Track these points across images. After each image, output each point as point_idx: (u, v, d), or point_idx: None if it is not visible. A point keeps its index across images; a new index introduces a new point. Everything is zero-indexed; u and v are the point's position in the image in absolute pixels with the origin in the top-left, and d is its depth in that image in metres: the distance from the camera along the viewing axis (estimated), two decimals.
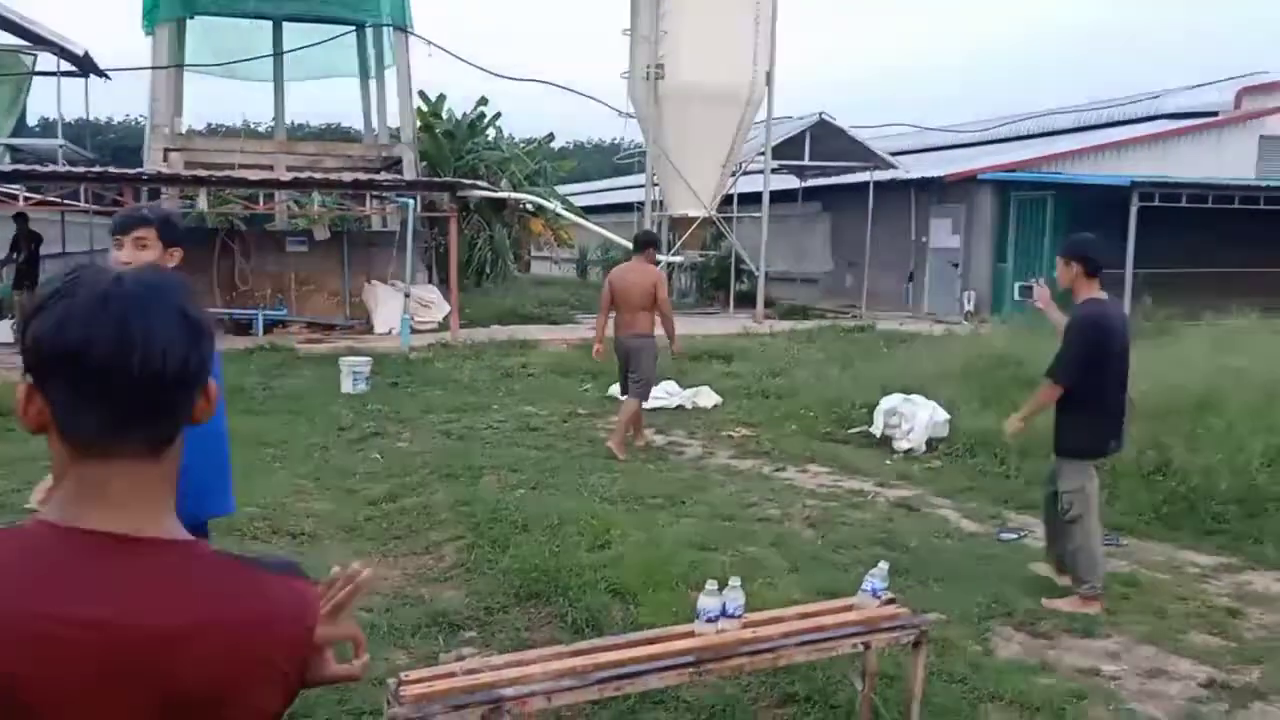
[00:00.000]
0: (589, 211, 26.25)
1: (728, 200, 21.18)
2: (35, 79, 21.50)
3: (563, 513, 6.20)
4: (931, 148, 27.24)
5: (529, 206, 22.49)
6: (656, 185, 20.59)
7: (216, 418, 3.25)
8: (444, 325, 16.53)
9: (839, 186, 23.36)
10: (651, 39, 19.16)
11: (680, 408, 10.50)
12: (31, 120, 23.15)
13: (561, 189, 27.38)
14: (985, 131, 26.94)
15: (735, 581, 3.54)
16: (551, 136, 27.72)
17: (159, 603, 1.11)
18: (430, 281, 18.86)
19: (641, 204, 21.78)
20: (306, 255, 17.74)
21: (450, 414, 9.90)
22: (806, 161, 21.46)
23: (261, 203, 17.44)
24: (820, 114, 21.02)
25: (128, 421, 1.10)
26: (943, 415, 8.67)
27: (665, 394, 10.51)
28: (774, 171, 21.28)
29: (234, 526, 6.04)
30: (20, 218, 15.59)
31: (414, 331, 15.02)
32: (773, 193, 20.46)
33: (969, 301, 20.11)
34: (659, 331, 8.47)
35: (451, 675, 3.07)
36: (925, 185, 21.48)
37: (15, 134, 20.04)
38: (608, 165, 44.21)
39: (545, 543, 5.65)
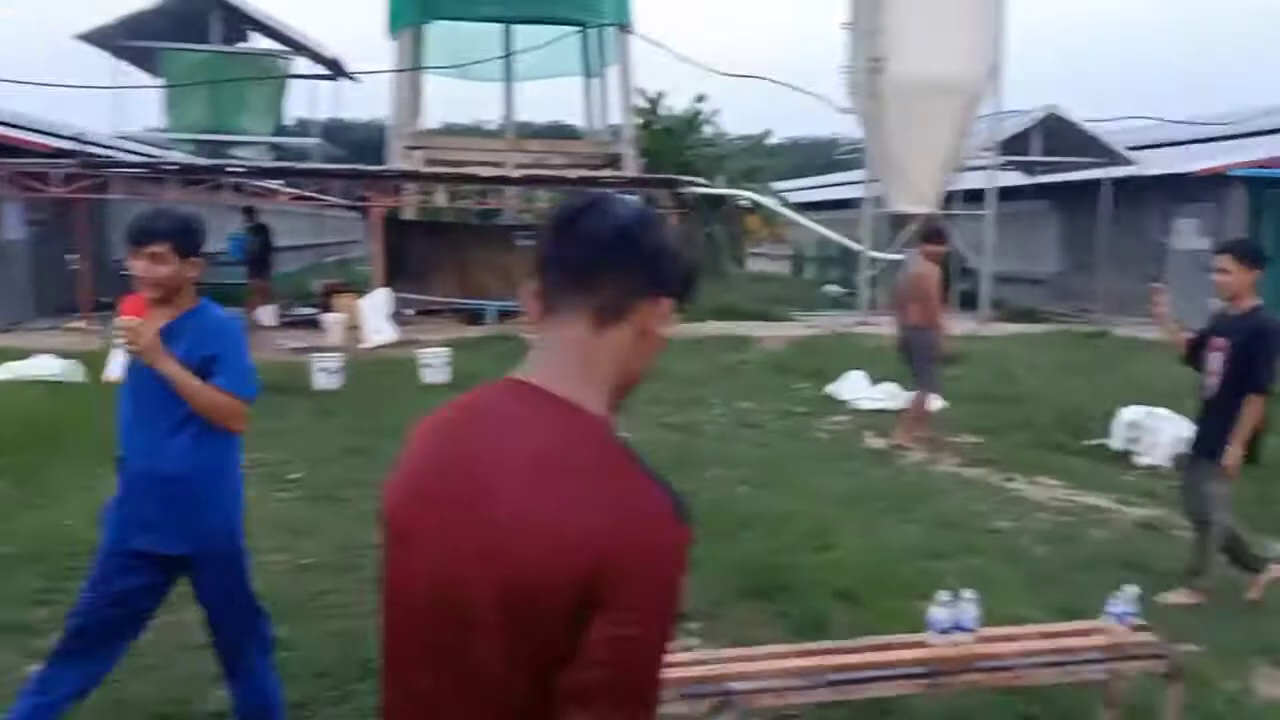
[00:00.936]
0: (805, 208, 25.99)
1: (950, 197, 20.47)
2: (293, 82, 23.35)
3: (784, 511, 6.21)
4: (1176, 141, 25.31)
5: (746, 203, 22.56)
6: (876, 181, 20.16)
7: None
8: None
9: (1071, 184, 22.11)
10: (871, 32, 18.75)
11: (901, 412, 10.25)
12: (289, 121, 25.16)
13: (778, 185, 27.29)
14: (1231, 125, 24.76)
15: (969, 594, 3.45)
16: (768, 133, 27.70)
17: (517, 448, 1.26)
18: None
19: (860, 200, 21.39)
20: (534, 249, 18.44)
21: (669, 407, 10.09)
22: (1036, 157, 20.43)
23: (492, 198, 18.29)
24: (1052, 107, 19.96)
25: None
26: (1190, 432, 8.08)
27: (886, 396, 10.31)
28: (1001, 168, 20.40)
29: None
30: (249, 211, 16.94)
31: None
32: (999, 189, 19.61)
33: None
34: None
35: (681, 665, 3.14)
36: (1167, 182, 19.99)
37: (276, 134, 21.85)
38: (825, 161, 43.60)
39: (768, 540, 5.69)
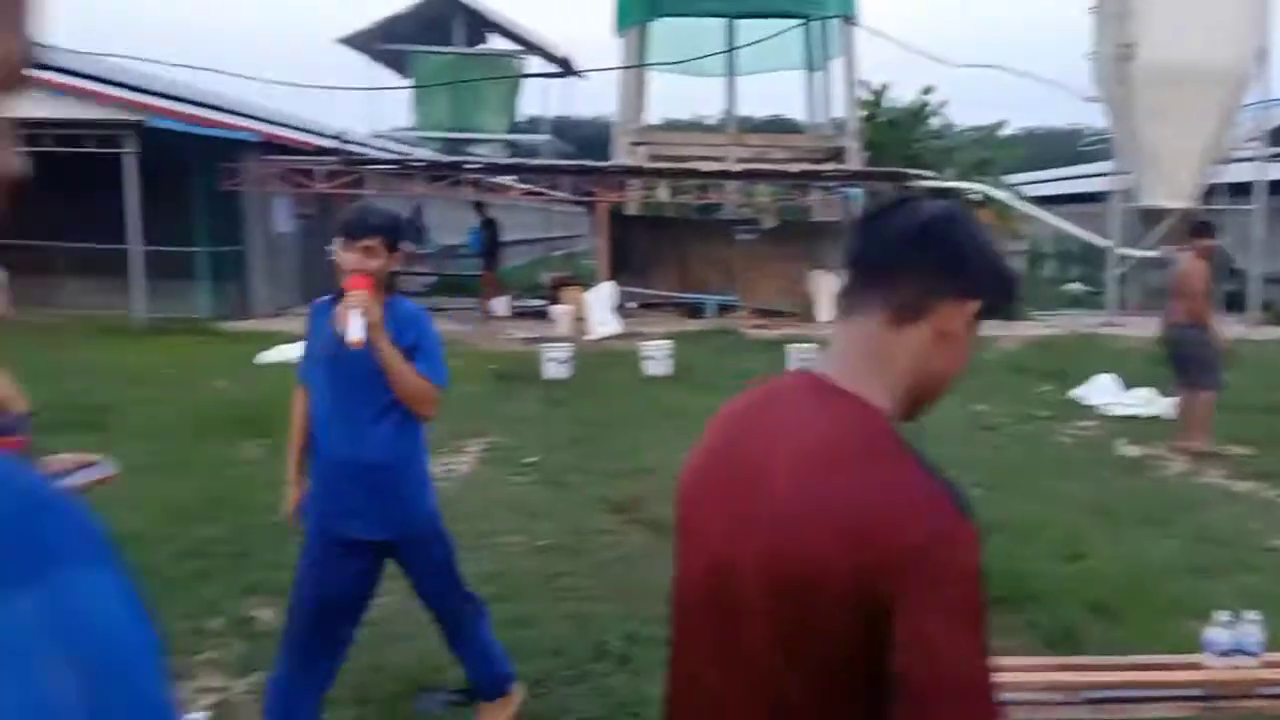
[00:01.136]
0: (1043, 202, 24.60)
1: (1212, 191, 18.81)
2: (526, 80, 24.27)
3: (1030, 518, 5.88)
4: None
5: (976, 197, 21.59)
6: (1125, 174, 18.81)
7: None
8: None
9: None
10: (1120, 15, 17.46)
11: (1158, 418, 9.48)
12: (521, 118, 26.24)
13: (1012, 178, 26.00)
14: None
15: (1254, 615, 3.14)
16: (1001, 123, 26.44)
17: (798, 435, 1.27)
18: None
19: (1107, 194, 20.03)
20: (753, 244, 18.42)
21: None
22: None
23: (714, 193, 18.37)
24: None
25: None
26: None
27: (1141, 402, 9.56)
28: (1270, 159, 18.58)
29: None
30: (480, 206, 17.67)
31: None
32: (1269, 183, 17.87)
33: None
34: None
35: None
36: None
37: (510, 131, 22.82)
38: (1067, 153, 41.16)
39: (1013, 547, 5.39)
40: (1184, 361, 7.90)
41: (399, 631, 4.37)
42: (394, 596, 4.74)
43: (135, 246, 14.33)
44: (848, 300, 1.36)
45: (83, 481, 2.37)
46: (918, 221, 1.32)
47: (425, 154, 21.03)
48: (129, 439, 7.38)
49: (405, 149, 22.26)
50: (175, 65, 29.73)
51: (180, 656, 4.13)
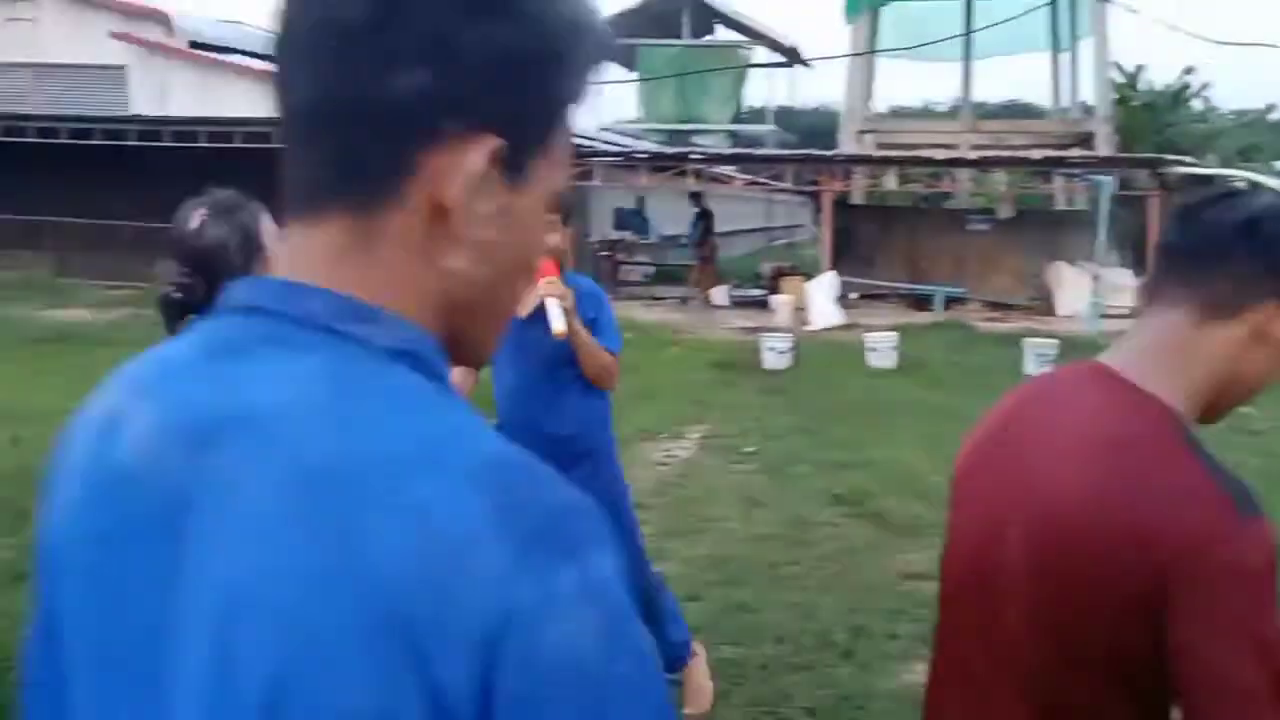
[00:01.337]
0: None
1: None
2: (750, 70, 24.19)
3: None
4: None
5: (1241, 184, 19.78)
6: None
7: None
8: (1135, 311, 15.29)
9: None
10: None
11: None
12: (745, 109, 26.22)
13: None
14: None
15: None
16: (1272, 107, 24.09)
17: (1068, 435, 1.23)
18: (1120, 265, 17.55)
19: None
20: (987, 234, 17.62)
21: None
22: None
23: (944, 181, 17.71)
24: None
25: None
26: None
27: None
28: None
29: (925, 493, 6.23)
30: (695, 196, 17.65)
31: (1103, 316, 14.02)
32: None
33: None
34: None
35: None
36: None
37: (734, 121, 22.86)
38: None
39: None
40: None
41: None
42: None
43: None
44: (1152, 291, 1.30)
45: None
46: (1246, 215, 1.25)
47: (649, 145, 21.40)
48: None
49: (630, 141, 22.74)
50: None
51: None
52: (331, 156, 0.63)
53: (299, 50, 0.63)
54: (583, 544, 0.59)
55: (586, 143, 18.41)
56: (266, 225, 2.32)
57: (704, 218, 17.78)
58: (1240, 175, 18.57)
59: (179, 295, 2.29)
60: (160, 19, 17.67)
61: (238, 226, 2.26)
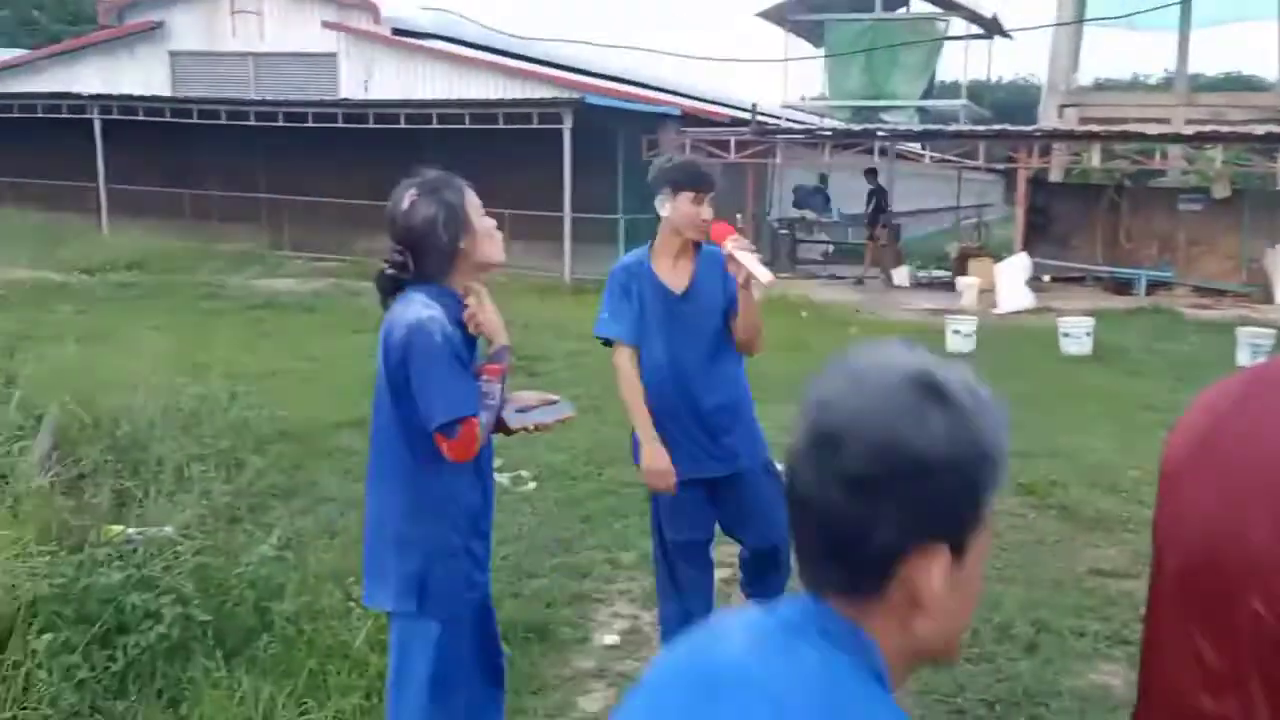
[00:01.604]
0: None
1: None
2: (945, 43, 23.29)
3: None
4: None
5: None
6: None
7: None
8: None
9: None
10: None
11: None
12: (938, 83, 25.31)
13: None
14: None
15: None
16: None
17: None
18: None
19: None
20: (1199, 214, 16.44)
21: None
22: None
23: (1155, 158, 16.59)
24: None
25: None
26: None
27: None
28: None
29: (1117, 487, 5.92)
30: (870, 173, 17.09)
31: None
32: None
33: None
34: None
35: None
36: None
37: (924, 96, 22.13)
38: None
39: None
40: None
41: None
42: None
43: (567, 213, 15.73)
44: None
45: (547, 420, 2.66)
46: None
47: (833, 123, 20.98)
48: (557, 385, 8.14)
49: (814, 119, 22.35)
50: (608, 46, 32.07)
51: (596, 584, 4.50)
52: (834, 569, 0.92)
53: (812, 480, 0.91)
54: None
55: (770, 120, 18.28)
56: (471, 200, 2.43)
57: (876, 195, 17.35)
58: None
59: (391, 271, 2.43)
60: (368, 8, 18.64)
61: (444, 204, 2.37)
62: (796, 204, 18.21)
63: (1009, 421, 0.93)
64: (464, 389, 2.35)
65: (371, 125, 16.78)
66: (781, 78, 25.40)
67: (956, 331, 10.69)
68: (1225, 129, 16.40)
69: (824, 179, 21.49)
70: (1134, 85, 34.75)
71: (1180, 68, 21.02)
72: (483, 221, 2.45)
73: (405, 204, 2.38)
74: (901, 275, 16.62)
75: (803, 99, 24.50)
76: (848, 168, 19.15)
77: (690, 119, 17.59)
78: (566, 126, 15.50)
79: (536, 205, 15.69)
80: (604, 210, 16.16)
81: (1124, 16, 19.38)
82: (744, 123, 17.24)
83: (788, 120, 20.42)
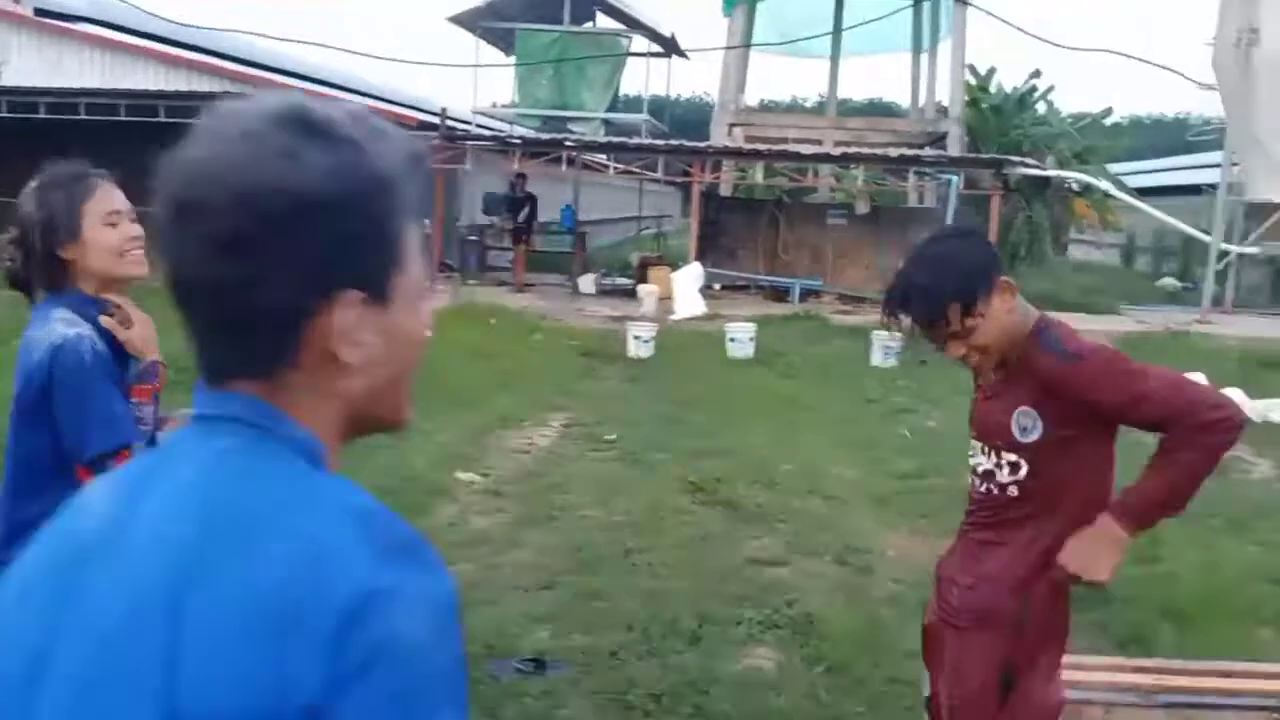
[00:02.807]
0: (1145, 193, 23.84)
1: None
2: (628, 60, 24.28)
3: None
4: None
5: (1074, 186, 21.02)
6: (1235, 165, 18.13)
7: None
8: None
9: None
10: (1246, 1, 16.77)
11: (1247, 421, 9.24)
12: (620, 98, 26.32)
13: (1116, 167, 25.19)
14: None
15: None
16: (1108, 111, 25.63)
17: None
18: None
19: (1212, 187, 19.33)
20: (844, 229, 18.27)
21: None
22: None
23: (808, 176, 18.24)
24: None
25: None
26: None
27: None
28: None
29: (774, 481, 6.54)
30: (520, 179, 17.34)
31: None
32: None
33: None
34: None
35: None
36: None
37: (610, 109, 22.98)
38: (1173, 142, 39.69)
39: None
40: None
41: (472, 599, 4.44)
42: (472, 565, 4.97)
43: None
44: None
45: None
46: None
47: (524, 131, 21.30)
48: None
49: (505, 126, 22.56)
50: (284, 40, 30.57)
51: None
52: (232, 349, 0.81)
53: (183, 258, 0.79)
54: (429, 564, 0.77)
55: (459, 125, 18.26)
56: (97, 204, 2.19)
57: (527, 202, 17.36)
58: (1073, 176, 19.78)
59: (10, 265, 2.22)
60: None
61: (45, 206, 2.15)
62: (486, 210, 18.32)
63: (421, 152, 0.86)
64: (120, 415, 2.15)
65: (4, 114, 15.04)
66: (472, 83, 25.37)
67: (637, 337, 11.26)
68: (866, 150, 18.34)
69: (513, 186, 21.72)
70: (793, 108, 37.93)
71: (831, 93, 23.23)
72: (103, 232, 2.18)
73: (22, 198, 2.17)
74: (587, 283, 17.18)
75: (495, 105, 24.62)
76: (539, 177, 19.50)
77: None
78: None
79: None
80: None
81: (786, 43, 21.20)
82: (433, 127, 17.12)
83: (478, 126, 20.48)
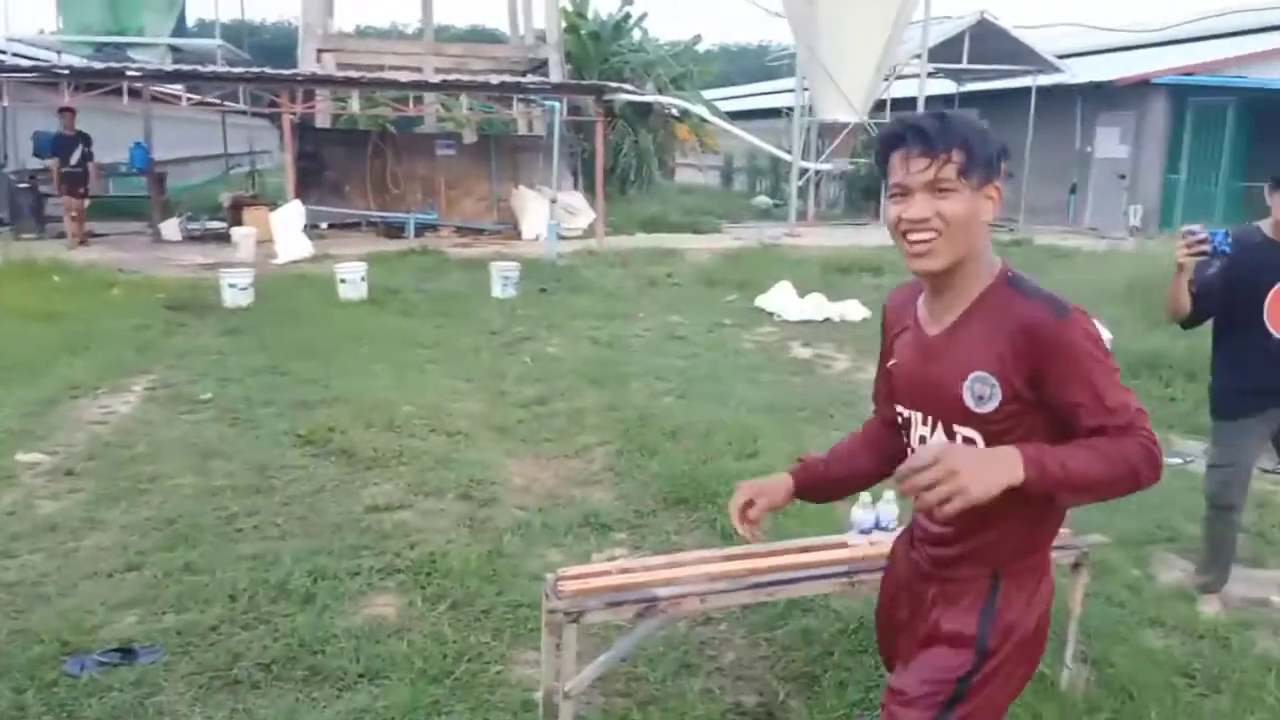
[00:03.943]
0: (736, 117, 25.72)
1: (880, 106, 20.39)
2: None
3: (710, 421, 6.17)
4: (1103, 49, 25.46)
5: (674, 111, 22.17)
6: (806, 90, 19.97)
7: None
8: (589, 232, 16.60)
9: (998, 92, 22.16)
10: None
11: (828, 320, 10.29)
12: (189, 22, 23.90)
13: (708, 93, 26.86)
14: (1162, 31, 24.98)
15: (889, 495, 3.46)
16: (698, 38, 27.17)
17: None
18: (576, 188, 18.89)
19: (790, 109, 21.20)
20: (455, 159, 17.97)
21: (597, 321, 9.97)
22: (965, 65, 20.40)
23: (411, 105, 17.65)
24: (981, 13, 19.87)
25: None
26: (1104, 335, 8.22)
27: (813, 307, 10.33)
28: (930, 76, 20.34)
29: (393, 424, 6.26)
30: (66, 112, 14.57)
31: (561, 238, 15.01)
32: (928, 98, 19.59)
33: (1135, 216, 18.97)
34: None
35: (606, 574, 3.11)
36: (1093, 90, 20.14)
37: (174, 34, 20.78)
38: (756, 69, 43.14)
39: (693, 450, 5.65)
40: None
41: (42, 593, 3.99)
42: (40, 555, 4.31)
43: None
44: None
45: None
46: None
47: (73, 60, 18.69)
48: None
49: (50, 55, 19.66)
50: None
51: None
52: None
53: None
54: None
55: None
56: None
57: (81, 142, 14.54)
58: (672, 102, 20.84)
59: None
60: None
61: None
62: (36, 153, 15.82)
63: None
64: None
65: None
66: (1, 7, 21.83)
67: (233, 285, 10.34)
68: (467, 78, 18.05)
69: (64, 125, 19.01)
70: (391, 34, 36.56)
71: (427, 19, 22.59)
72: None
73: None
74: (171, 228, 15.57)
75: (42, 33, 21.39)
76: (100, 113, 17.22)
77: None
78: None
79: None
80: None
81: None
82: None
83: (15, 56, 17.68)
